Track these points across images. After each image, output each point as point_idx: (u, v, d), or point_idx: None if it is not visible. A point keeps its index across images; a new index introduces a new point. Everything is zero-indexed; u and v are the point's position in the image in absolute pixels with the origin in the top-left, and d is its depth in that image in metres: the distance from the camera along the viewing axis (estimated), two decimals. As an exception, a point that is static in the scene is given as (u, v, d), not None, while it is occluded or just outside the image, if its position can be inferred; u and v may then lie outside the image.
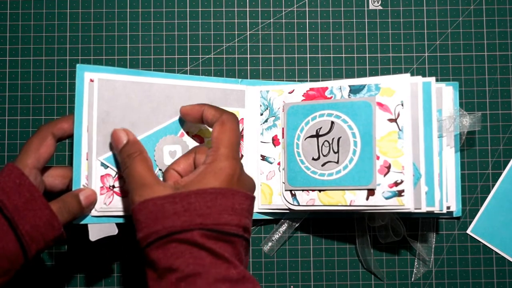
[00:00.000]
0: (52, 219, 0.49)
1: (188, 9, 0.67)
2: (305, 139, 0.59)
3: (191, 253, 0.44)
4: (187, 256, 0.44)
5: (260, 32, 0.67)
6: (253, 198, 0.50)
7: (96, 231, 0.55)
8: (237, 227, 0.46)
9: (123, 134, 0.53)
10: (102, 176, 0.55)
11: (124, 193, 0.56)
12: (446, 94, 0.60)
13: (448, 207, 0.60)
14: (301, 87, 0.61)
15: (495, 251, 0.65)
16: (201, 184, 0.47)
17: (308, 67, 0.67)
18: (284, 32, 0.67)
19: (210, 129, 0.52)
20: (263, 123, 0.62)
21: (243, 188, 0.49)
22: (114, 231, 0.56)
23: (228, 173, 0.48)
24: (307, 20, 0.67)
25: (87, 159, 0.55)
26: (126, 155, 0.51)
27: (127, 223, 0.57)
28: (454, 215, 0.65)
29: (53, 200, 0.51)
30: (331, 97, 0.59)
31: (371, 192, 0.57)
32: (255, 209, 0.62)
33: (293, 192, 0.60)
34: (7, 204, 0.47)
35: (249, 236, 0.49)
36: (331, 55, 0.67)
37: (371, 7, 0.68)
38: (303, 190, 0.59)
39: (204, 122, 0.54)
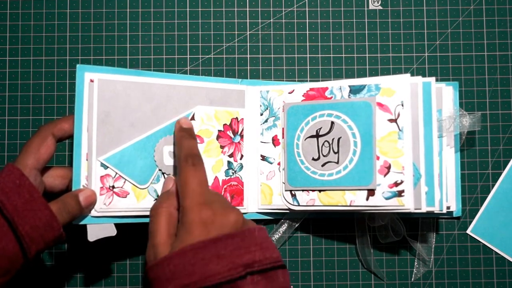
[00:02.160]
0: (52, 220, 0.49)
1: (188, 9, 0.67)
2: (305, 139, 0.59)
3: None
4: None
5: (260, 32, 0.67)
6: (237, 234, 0.45)
7: (95, 232, 0.55)
8: (229, 272, 0.43)
9: (170, 182, 0.53)
10: (102, 177, 0.55)
11: (124, 194, 0.56)
12: (446, 94, 0.60)
13: (448, 207, 0.60)
14: (301, 87, 0.61)
15: (495, 251, 0.65)
16: (181, 243, 0.45)
17: (308, 67, 0.67)
18: (284, 32, 0.67)
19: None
20: (263, 123, 0.62)
21: (221, 229, 0.45)
22: (113, 232, 0.56)
23: (198, 224, 0.45)
24: (307, 20, 0.67)
25: (87, 160, 0.55)
26: (157, 204, 0.50)
27: (127, 224, 0.57)
28: (454, 215, 0.65)
29: (52, 201, 0.51)
30: (331, 97, 0.59)
31: (371, 192, 0.57)
32: (255, 209, 0.62)
33: (293, 192, 0.60)
34: (7, 205, 0.47)
35: (259, 267, 0.44)
36: (331, 55, 0.67)
37: (371, 7, 0.68)
38: (303, 190, 0.59)
39: None
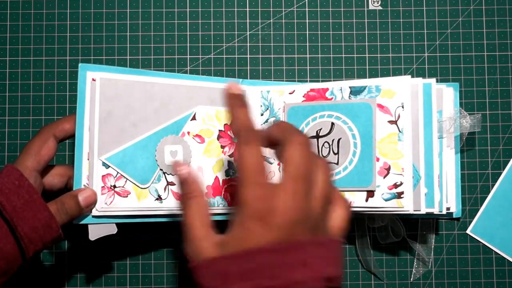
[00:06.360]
0: (51, 221, 0.49)
1: (188, 9, 0.67)
2: (305, 140, 0.59)
3: None
4: None
5: (260, 32, 0.67)
6: (324, 243, 0.40)
7: (96, 230, 0.55)
8: (312, 283, 0.38)
9: (180, 167, 0.46)
10: (103, 176, 0.55)
11: (125, 193, 0.56)
12: (447, 96, 0.60)
13: (448, 208, 0.60)
14: (302, 88, 0.61)
15: (494, 251, 0.65)
16: (241, 241, 0.40)
17: (308, 67, 0.67)
18: (284, 32, 0.67)
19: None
20: (264, 123, 0.62)
21: (315, 232, 0.40)
22: (114, 230, 0.56)
23: (256, 222, 0.39)
24: (307, 20, 0.67)
25: (88, 159, 0.55)
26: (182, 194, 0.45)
27: (127, 223, 0.57)
28: (454, 216, 0.65)
29: (51, 201, 0.51)
30: (332, 98, 0.59)
31: (370, 193, 0.57)
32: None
33: (293, 192, 0.60)
34: (6, 206, 0.47)
35: (337, 284, 0.40)
36: (331, 55, 0.67)
37: (371, 7, 0.68)
38: (303, 191, 0.59)
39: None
